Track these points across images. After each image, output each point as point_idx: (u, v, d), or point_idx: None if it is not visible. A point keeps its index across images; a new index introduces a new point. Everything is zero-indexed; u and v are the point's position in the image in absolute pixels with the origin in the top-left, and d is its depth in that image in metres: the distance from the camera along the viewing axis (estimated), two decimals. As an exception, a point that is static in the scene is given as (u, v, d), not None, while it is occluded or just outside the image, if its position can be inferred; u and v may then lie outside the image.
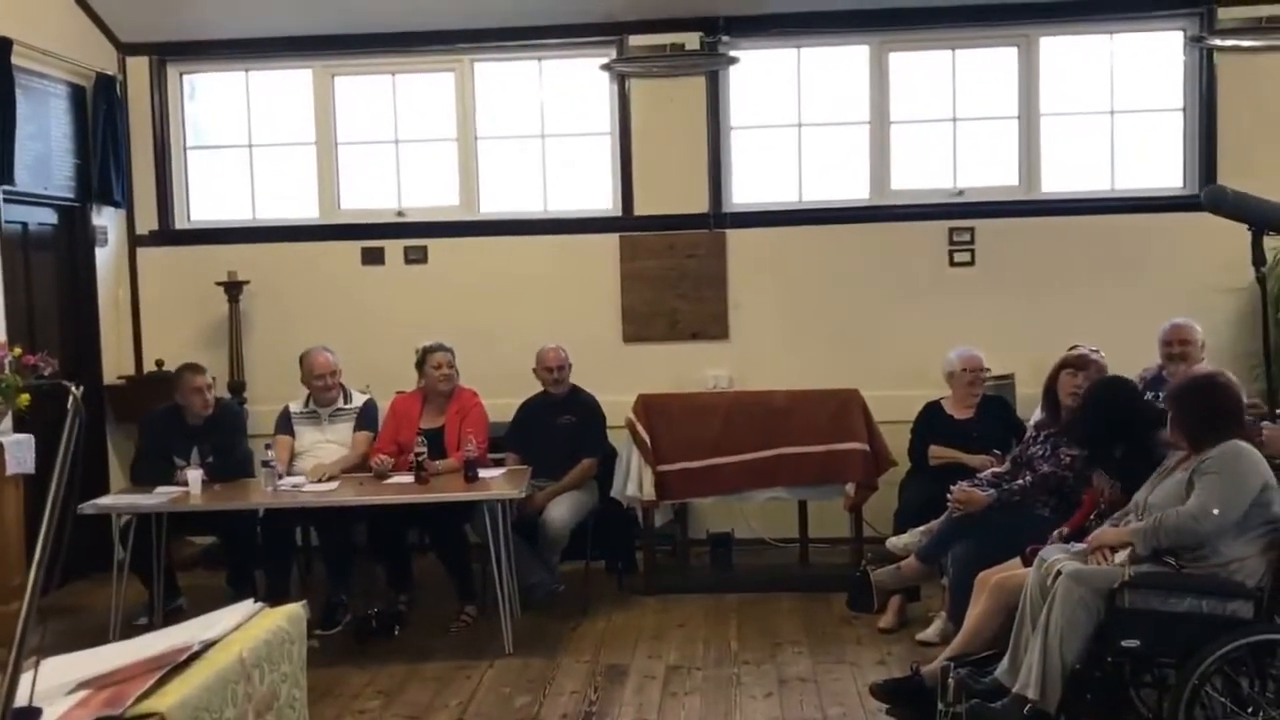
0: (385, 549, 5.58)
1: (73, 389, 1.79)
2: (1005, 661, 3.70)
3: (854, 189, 6.67)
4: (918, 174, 6.67)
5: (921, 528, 4.95)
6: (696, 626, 5.31)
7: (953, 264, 6.58)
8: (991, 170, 6.65)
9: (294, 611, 2.31)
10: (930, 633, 4.87)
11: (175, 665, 1.96)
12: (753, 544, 6.42)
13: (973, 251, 6.57)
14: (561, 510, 5.50)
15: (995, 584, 4.05)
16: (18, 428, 5.46)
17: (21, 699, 1.63)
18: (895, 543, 5.02)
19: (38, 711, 1.73)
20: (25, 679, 1.64)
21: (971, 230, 6.56)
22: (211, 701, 1.92)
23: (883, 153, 6.63)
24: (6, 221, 5.81)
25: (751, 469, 5.86)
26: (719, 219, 6.65)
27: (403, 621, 5.33)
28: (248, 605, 2.24)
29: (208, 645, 2.05)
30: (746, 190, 6.74)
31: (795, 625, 5.27)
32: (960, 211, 6.58)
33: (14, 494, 5.35)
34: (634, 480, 5.85)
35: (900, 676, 4.19)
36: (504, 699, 4.48)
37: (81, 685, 1.91)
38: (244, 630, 2.14)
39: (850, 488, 5.80)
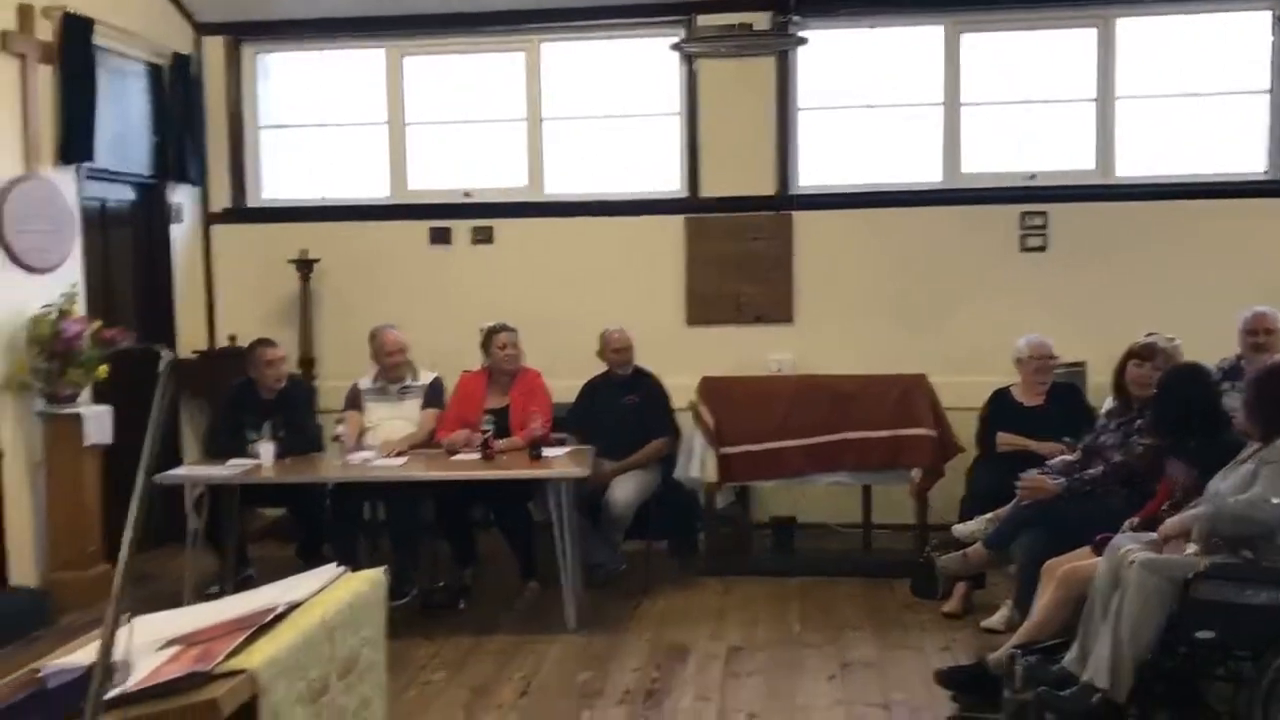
0: (450, 525, 5.63)
1: (164, 351, 1.83)
2: (1074, 650, 3.66)
3: (925, 172, 6.60)
4: (990, 157, 6.57)
5: (988, 515, 4.89)
6: (758, 608, 5.31)
7: (1024, 249, 6.49)
8: (1066, 154, 6.54)
9: (375, 576, 2.35)
10: (996, 620, 4.82)
11: (262, 625, 2.00)
12: (815, 528, 6.39)
13: (1045, 236, 6.47)
14: (625, 490, 5.52)
15: (1064, 573, 3.99)
16: (96, 400, 5.61)
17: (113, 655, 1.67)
18: (961, 530, 4.97)
19: (125, 666, 1.77)
20: (119, 635, 1.68)
21: (1044, 215, 6.45)
22: (298, 661, 1.96)
23: (954, 135, 6.55)
24: (86, 198, 5.96)
25: (815, 453, 5.83)
26: (786, 201, 6.62)
27: (467, 596, 5.41)
28: (330, 570, 2.29)
29: (292, 607, 2.09)
30: (814, 172, 6.69)
31: (858, 610, 5.24)
32: (1033, 195, 6.48)
33: (92, 464, 5.50)
34: (697, 462, 5.86)
35: (966, 664, 4.16)
36: (567, 674, 4.52)
37: (171, 642, 1.96)
38: (327, 594, 2.18)
39: (916, 473, 5.75)
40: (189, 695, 1.73)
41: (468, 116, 6.92)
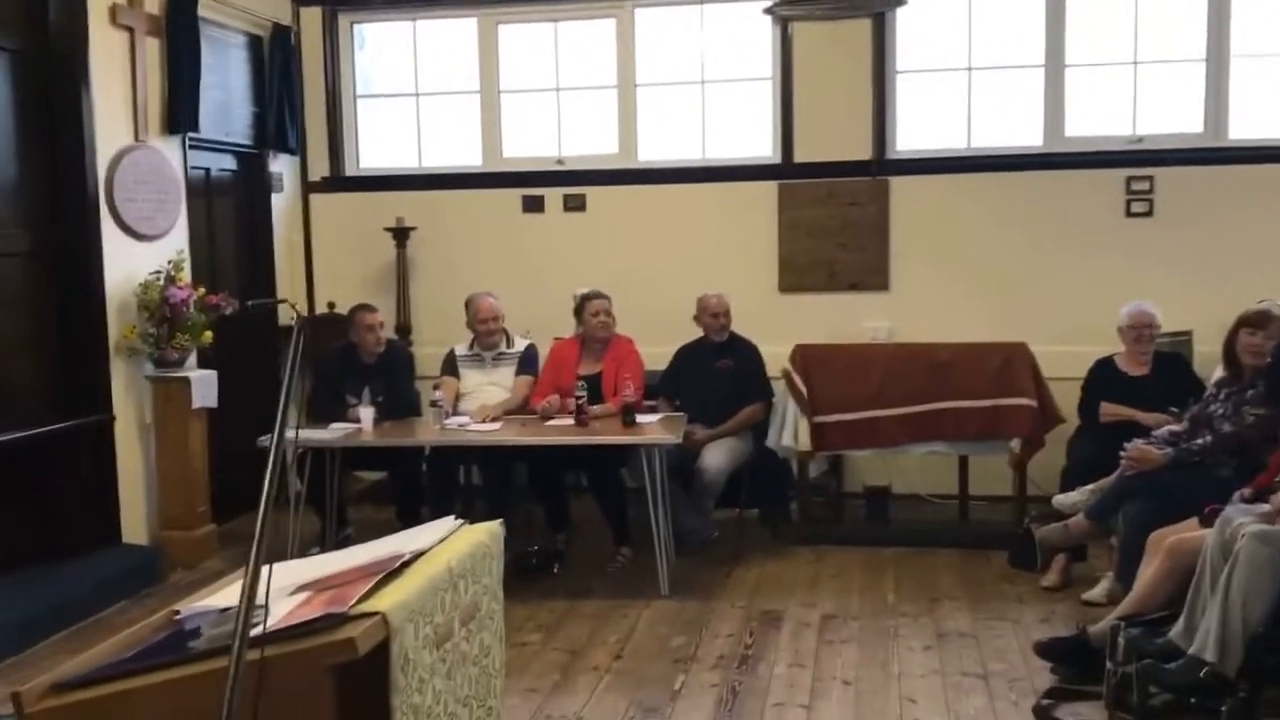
0: (544, 490, 5.69)
1: (294, 306, 1.89)
2: (1181, 623, 3.57)
3: (1026, 135, 6.43)
4: (1094, 120, 6.38)
5: (1090, 486, 4.78)
6: (852, 577, 5.27)
7: (1129, 214, 6.30)
8: (1174, 116, 6.32)
9: (493, 528, 2.41)
10: (1097, 593, 4.72)
11: (389, 572, 2.05)
12: (910, 499, 6.33)
13: (1151, 201, 6.27)
14: (717, 457, 5.51)
15: (1171, 544, 3.89)
16: (202, 364, 5.77)
17: (235, 601, 1.73)
18: (1062, 500, 4.88)
19: (262, 608, 1.83)
20: (236, 588, 1.74)
21: (1151, 179, 6.26)
22: (424, 606, 2.02)
23: (1057, 97, 6.37)
24: (192, 167, 6.10)
25: (911, 423, 5.76)
26: (882, 166, 6.52)
27: (561, 560, 5.47)
28: (449, 521, 2.34)
29: (417, 555, 2.15)
30: (911, 137, 6.57)
31: (954, 580, 5.18)
32: (1139, 159, 6.28)
33: (199, 426, 5.66)
34: (790, 430, 5.82)
35: (1066, 635, 4.09)
36: (661, 638, 4.54)
37: (302, 588, 2.03)
38: (448, 543, 2.24)
39: (1015, 444, 5.64)
40: (326, 635, 1.80)
41: (560, 84, 6.93)
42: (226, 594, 1.91)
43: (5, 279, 5.03)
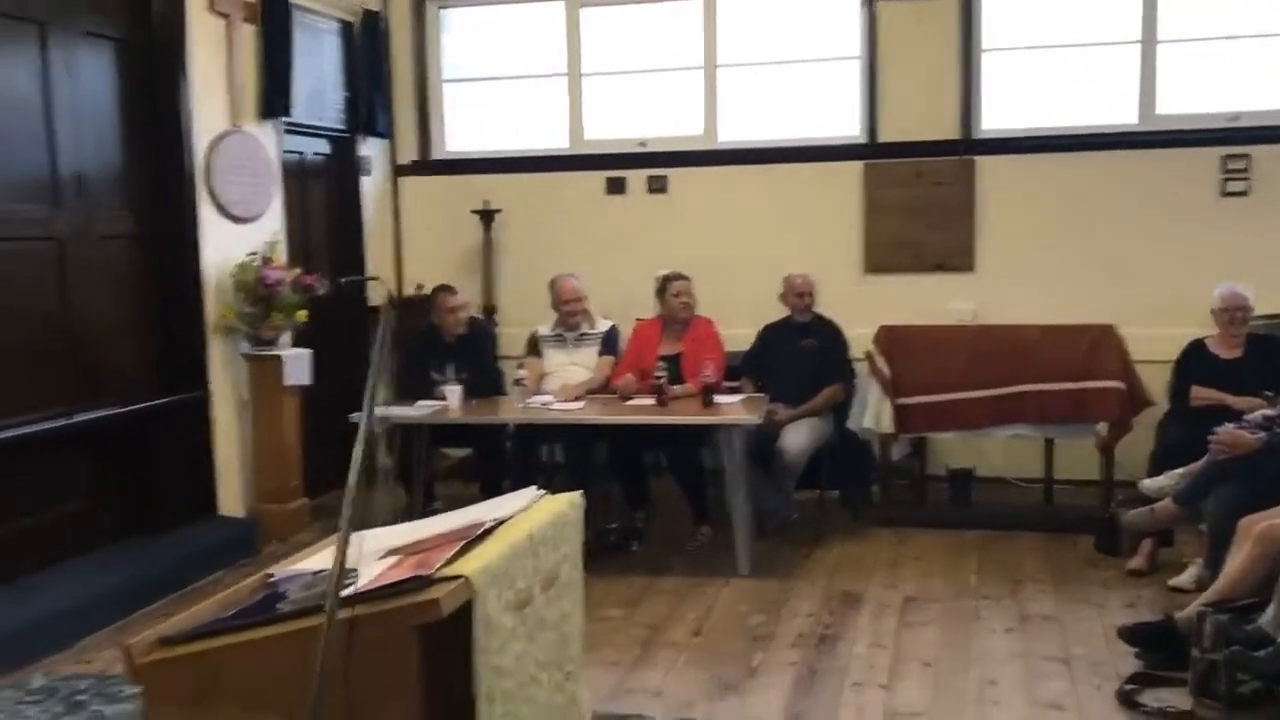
0: (624, 468, 5.76)
1: (383, 281, 1.98)
2: (1271, 609, 3.50)
3: (1118, 113, 6.30)
4: (1189, 97, 6.22)
5: (1179, 470, 4.69)
6: (934, 560, 5.25)
7: (1225, 194, 6.14)
8: (1272, 93, 6.13)
9: (574, 499, 2.48)
10: (1184, 579, 4.64)
11: (473, 538, 2.14)
12: (994, 482, 6.26)
13: (1248, 181, 6.10)
14: (797, 438, 5.52)
15: (1262, 530, 3.82)
16: (296, 343, 5.93)
17: (329, 565, 1.84)
18: (1150, 485, 4.80)
19: (352, 571, 1.93)
20: (327, 553, 1.84)
21: (1247, 157, 6.09)
22: (506, 570, 2.10)
23: (1150, 74, 6.22)
24: (286, 151, 6.26)
25: (996, 405, 5.71)
26: (969, 145, 6.44)
27: (640, 538, 5.53)
28: (532, 491, 2.42)
29: (499, 523, 2.23)
30: (999, 116, 6.47)
31: (1037, 564, 5.13)
32: (1236, 137, 6.11)
33: (292, 404, 5.83)
34: (872, 412, 5.81)
35: (1152, 620, 4.04)
36: (739, 616, 4.58)
37: (391, 552, 2.13)
38: (530, 512, 2.32)
39: (1102, 427, 5.55)
40: (412, 596, 1.89)
41: (644, 66, 6.96)
42: (318, 559, 2.01)
43: (111, 260, 5.23)
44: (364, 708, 1.81)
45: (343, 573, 1.69)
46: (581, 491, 2.56)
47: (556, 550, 2.33)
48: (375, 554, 2.17)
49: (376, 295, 6.87)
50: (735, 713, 3.67)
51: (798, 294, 5.82)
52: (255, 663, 1.91)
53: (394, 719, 1.86)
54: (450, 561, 2.00)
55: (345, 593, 1.80)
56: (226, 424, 5.72)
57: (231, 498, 5.76)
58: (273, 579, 2.23)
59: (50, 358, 4.88)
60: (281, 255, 5.90)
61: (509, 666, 2.08)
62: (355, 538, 2.20)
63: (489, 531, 2.20)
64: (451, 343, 5.82)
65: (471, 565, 1.99)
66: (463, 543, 2.10)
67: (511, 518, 2.28)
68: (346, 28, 6.84)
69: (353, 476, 1.80)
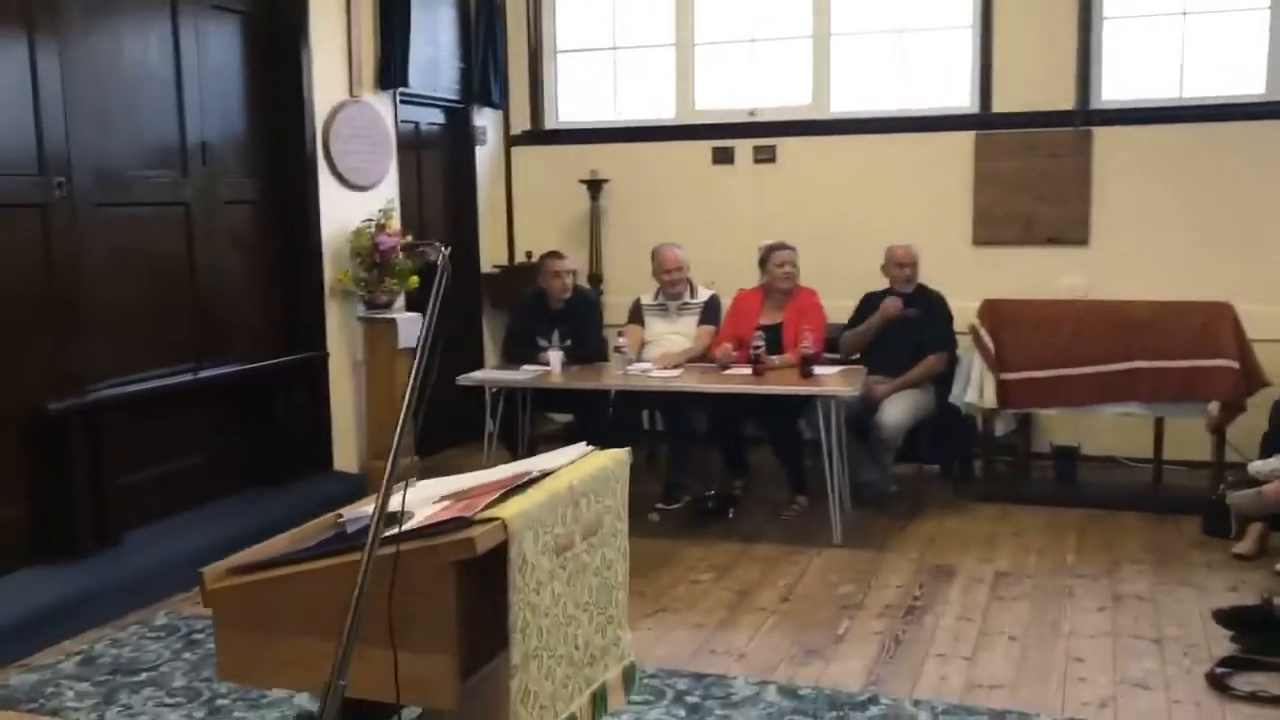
0: (722, 437, 5.83)
1: (441, 247, 2.11)
2: (1372, 597, 3.40)
3: (1246, 83, 6.06)
4: (1322, 65, 5.96)
5: (1291, 453, 4.56)
6: (1032, 536, 5.20)
7: (1357, 166, 5.88)
8: None
9: (619, 455, 2.61)
10: (1293, 565, 4.52)
11: (516, 486, 2.31)
12: (1101, 460, 6.15)
13: (1386, 153, 5.83)
14: (896, 411, 5.50)
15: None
16: (408, 307, 6.14)
17: (396, 507, 2.07)
18: (1259, 467, 4.67)
19: (407, 515, 2.13)
20: (398, 495, 2.02)
21: (1382, 128, 5.81)
22: (544, 516, 2.25)
23: (1281, 41, 5.98)
24: (402, 121, 6.46)
25: (1103, 382, 5.59)
26: (1086, 116, 6.28)
27: (737, 505, 5.60)
28: (580, 447, 2.57)
29: (544, 474, 2.39)
30: (1119, 86, 6.29)
31: (1139, 544, 5.04)
32: (1371, 107, 5.85)
33: (404, 365, 6.02)
34: (974, 387, 5.75)
35: (1249, 604, 3.94)
36: (829, 585, 4.62)
37: (444, 498, 2.31)
38: (575, 466, 2.47)
39: (1214, 407, 5.39)
40: (451, 535, 2.09)
41: (754, 35, 6.95)
42: (387, 504, 2.17)
43: (237, 224, 5.50)
44: (408, 633, 2.00)
45: (384, 511, 1.85)
46: (629, 449, 2.70)
47: (600, 501, 2.48)
48: (430, 499, 2.34)
49: (486, 264, 7.04)
50: (816, 678, 3.72)
51: (898, 264, 5.78)
52: (312, 591, 2.11)
53: (433, 645, 2.05)
54: (490, 506, 2.17)
55: (391, 532, 1.96)
56: (341, 383, 5.97)
57: (346, 454, 6.01)
58: (342, 519, 2.43)
59: (178, 317, 5.17)
60: (396, 222, 6.10)
61: (545, 605, 2.23)
62: (421, 485, 2.44)
63: (533, 481, 2.35)
64: (558, 309, 5.94)
65: (510, 510, 2.16)
66: (506, 489, 2.26)
67: (557, 470, 2.44)
68: (463, 0, 6.99)
69: (401, 419, 1.95)
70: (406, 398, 1.97)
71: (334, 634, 1.75)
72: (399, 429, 1.96)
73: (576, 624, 2.38)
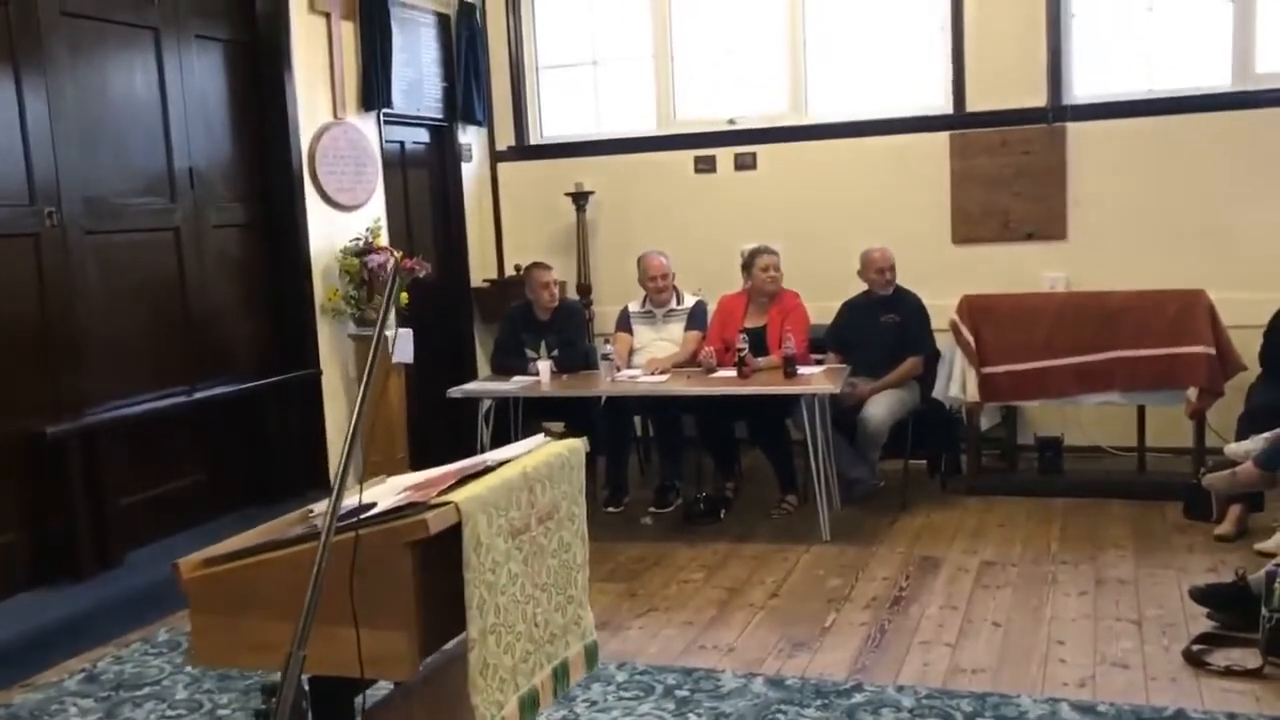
0: (712, 439, 5.91)
1: (393, 251, 2.23)
2: (1341, 569, 3.49)
3: (1212, 75, 6.17)
4: (1287, 55, 6.07)
5: (1266, 434, 4.63)
6: (1017, 527, 5.29)
7: (1324, 154, 5.98)
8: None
9: (574, 444, 2.74)
10: (1271, 543, 4.60)
11: (473, 474, 2.48)
12: (1085, 450, 6.25)
13: (1352, 139, 5.93)
14: (879, 408, 5.59)
15: (1339, 491, 3.78)
16: (399, 323, 6.22)
17: (365, 500, 2.26)
18: (1235, 449, 4.72)
19: (371, 505, 2.30)
20: (358, 492, 2.29)
21: (1351, 115, 5.91)
22: (498, 501, 2.42)
23: (1246, 32, 6.07)
24: (387, 141, 6.57)
25: (1083, 372, 5.68)
26: (1058, 112, 6.38)
27: (728, 507, 5.69)
28: (537, 439, 2.71)
29: (500, 463, 2.54)
30: (1089, 81, 6.40)
31: (1123, 530, 5.13)
32: (1337, 95, 5.95)
33: (396, 380, 6.13)
34: (956, 381, 5.83)
35: (1224, 581, 4.03)
36: (817, 580, 4.71)
37: (406, 489, 2.46)
38: (530, 455, 2.61)
39: (1192, 393, 5.48)
40: (407, 518, 2.27)
41: (730, 44, 7.06)
42: (353, 497, 2.31)
43: (226, 247, 5.60)
44: (369, 612, 2.19)
45: (341, 499, 1.98)
46: (585, 439, 2.85)
47: (556, 487, 2.64)
48: (394, 491, 2.50)
49: (475, 278, 7.13)
50: (802, 669, 3.80)
51: (877, 270, 5.85)
52: (280, 577, 2.28)
53: (393, 623, 2.22)
54: (446, 492, 2.33)
55: (350, 521, 2.16)
56: (335, 400, 6.06)
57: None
58: (313, 514, 2.56)
59: (171, 340, 5.27)
60: (384, 240, 6.20)
61: (502, 584, 2.39)
62: (389, 481, 2.56)
63: (489, 470, 2.51)
64: (545, 319, 6.04)
65: (463, 494, 2.33)
66: (461, 477, 2.42)
67: (513, 459, 2.60)
68: (444, 20, 7.11)
69: (354, 418, 2.09)
70: (362, 389, 2.10)
71: (298, 617, 1.88)
72: (355, 413, 2.10)
73: (535, 603, 2.53)
